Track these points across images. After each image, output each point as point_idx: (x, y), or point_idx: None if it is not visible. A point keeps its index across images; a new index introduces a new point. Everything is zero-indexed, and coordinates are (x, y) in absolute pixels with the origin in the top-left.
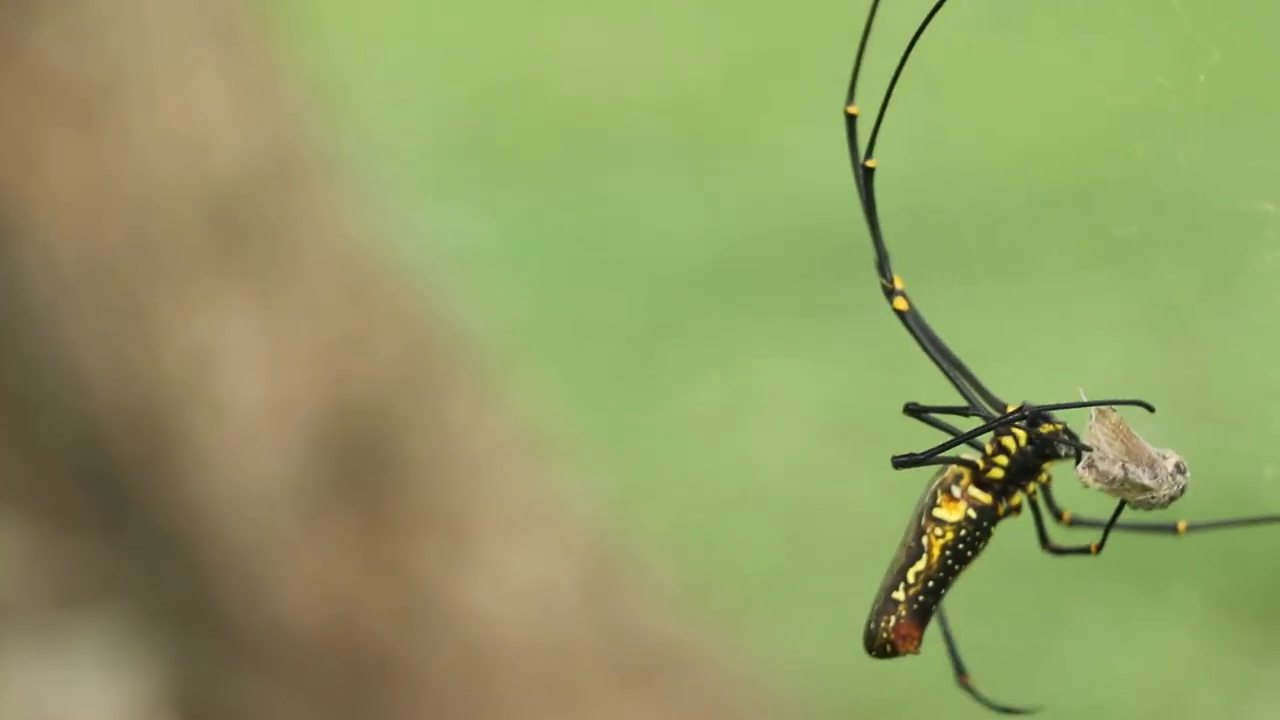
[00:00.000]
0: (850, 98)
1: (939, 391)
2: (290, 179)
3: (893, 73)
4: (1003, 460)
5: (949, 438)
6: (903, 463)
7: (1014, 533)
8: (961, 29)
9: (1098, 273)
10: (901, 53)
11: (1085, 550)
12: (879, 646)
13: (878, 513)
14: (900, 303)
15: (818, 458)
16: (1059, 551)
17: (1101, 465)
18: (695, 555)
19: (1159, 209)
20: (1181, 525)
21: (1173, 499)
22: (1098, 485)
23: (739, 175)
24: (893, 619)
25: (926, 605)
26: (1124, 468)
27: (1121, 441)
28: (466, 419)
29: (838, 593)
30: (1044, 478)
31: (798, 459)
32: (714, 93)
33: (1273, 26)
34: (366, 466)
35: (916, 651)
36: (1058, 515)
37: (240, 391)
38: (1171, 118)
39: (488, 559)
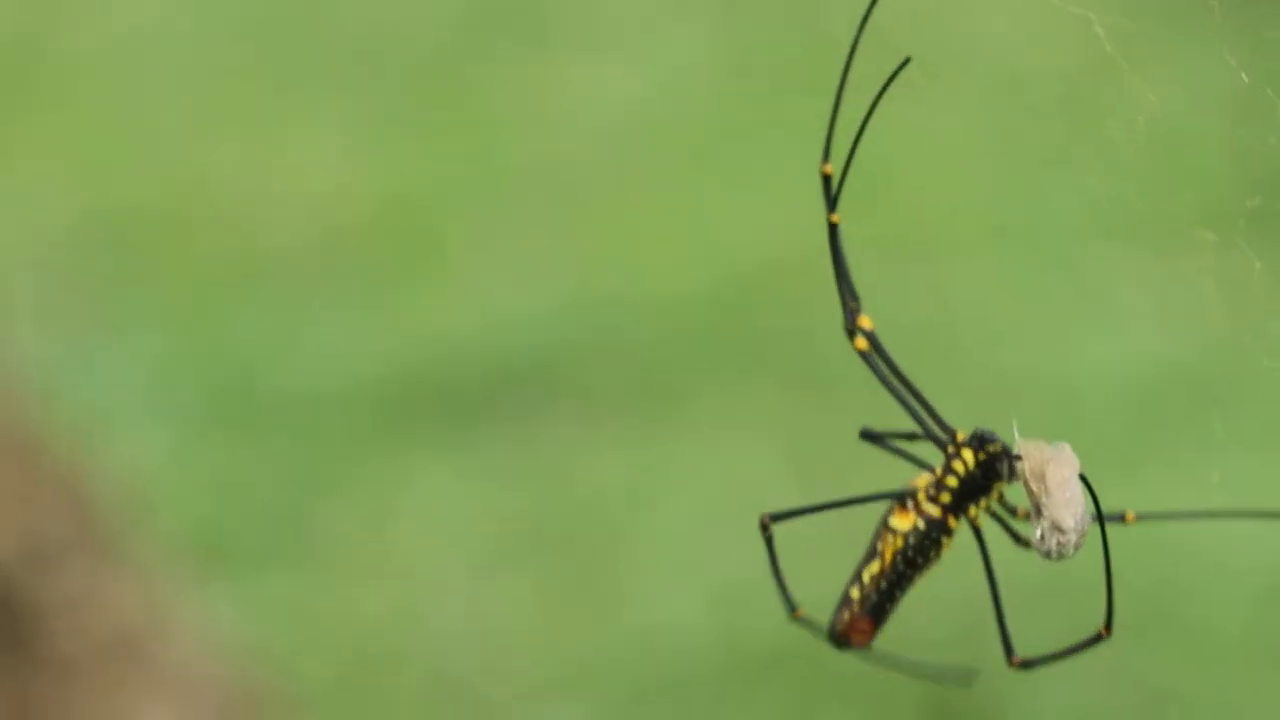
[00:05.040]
0: (825, 157)
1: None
2: None
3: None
4: (952, 481)
5: (914, 442)
6: (869, 435)
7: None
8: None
9: (754, 399)
10: None
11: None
12: (834, 637)
13: (546, 644)
14: (860, 343)
15: (491, 592)
16: (1030, 546)
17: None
18: (353, 714)
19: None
20: (1130, 515)
21: (1051, 549)
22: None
23: (401, 301)
24: (847, 614)
25: (881, 604)
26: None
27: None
28: (96, 584)
29: None
30: (995, 496)
31: (471, 596)
32: (368, 220)
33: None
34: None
35: (866, 646)
36: (1012, 513)
37: None
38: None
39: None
